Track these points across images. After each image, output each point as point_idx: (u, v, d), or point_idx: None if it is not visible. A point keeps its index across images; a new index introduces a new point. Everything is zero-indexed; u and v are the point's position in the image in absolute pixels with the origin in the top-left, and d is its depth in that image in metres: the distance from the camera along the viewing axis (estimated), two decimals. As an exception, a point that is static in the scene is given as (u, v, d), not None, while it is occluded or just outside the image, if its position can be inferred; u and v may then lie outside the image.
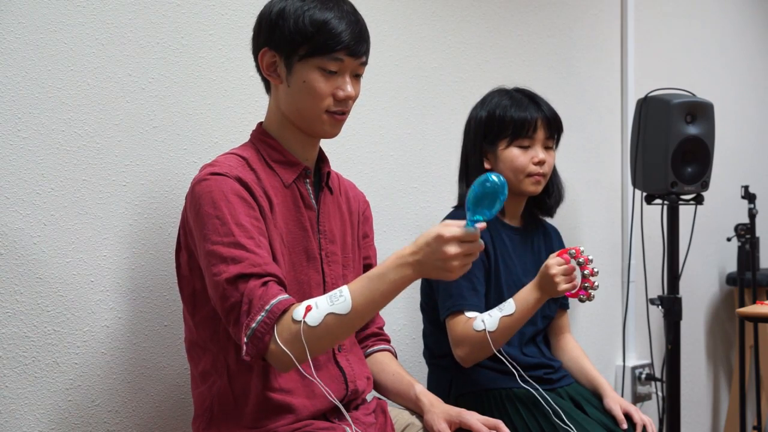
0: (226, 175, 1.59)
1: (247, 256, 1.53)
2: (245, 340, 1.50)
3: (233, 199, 1.57)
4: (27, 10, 1.75)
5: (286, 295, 1.53)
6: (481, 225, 1.47)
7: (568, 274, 1.93)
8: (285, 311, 1.51)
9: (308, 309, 1.50)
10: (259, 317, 1.50)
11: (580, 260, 1.94)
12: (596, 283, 1.94)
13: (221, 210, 1.56)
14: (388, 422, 1.78)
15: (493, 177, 1.45)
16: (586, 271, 1.94)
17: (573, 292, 1.95)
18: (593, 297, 1.95)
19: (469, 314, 2.04)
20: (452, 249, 1.46)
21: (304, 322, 1.49)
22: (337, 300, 1.51)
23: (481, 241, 1.49)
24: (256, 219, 1.59)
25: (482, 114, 2.22)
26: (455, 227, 1.46)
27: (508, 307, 1.99)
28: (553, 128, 2.21)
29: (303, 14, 1.62)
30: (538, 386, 1.98)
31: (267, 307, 1.50)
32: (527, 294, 1.99)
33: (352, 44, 1.63)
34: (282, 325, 1.50)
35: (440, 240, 1.46)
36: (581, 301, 1.96)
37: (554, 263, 1.94)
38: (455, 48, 2.67)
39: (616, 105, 3.28)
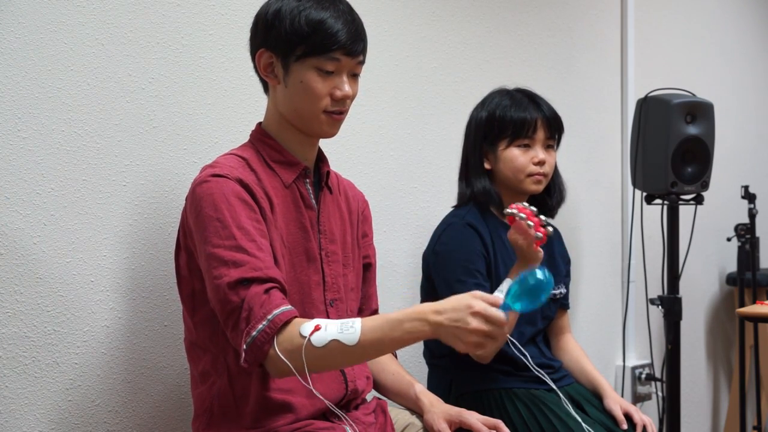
0: (227, 176, 1.59)
1: (248, 260, 1.53)
2: (244, 347, 1.50)
3: (234, 202, 1.57)
4: (27, 10, 1.75)
5: (288, 306, 1.52)
6: (514, 315, 1.43)
7: (524, 232, 1.91)
8: (287, 322, 1.50)
9: (317, 328, 1.48)
10: (260, 326, 1.49)
11: (522, 215, 1.90)
12: (546, 225, 1.90)
13: (222, 212, 1.56)
14: (388, 422, 1.78)
15: (539, 274, 1.42)
16: (522, 215, 1.89)
17: (537, 241, 1.92)
18: (550, 231, 1.91)
19: None
20: (476, 323, 1.42)
21: (309, 340, 1.47)
22: (347, 330, 1.48)
23: (506, 329, 1.44)
24: (257, 221, 1.59)
25: (482, 114, 2.22)
26: (487, 305, 1.43)
27: (505, 286, 1.98)
28: (554, 128, 2.21)
29: (299, 14, 1.62)
30: (545, 375, 1.96)
31: (269, 317, 1.49)
32: (516, 269, 1.98)
33: (348, 44, 1.63)
34: (284, 335, 1.49)
35: (468, 310, 1.42)
36: (544, 237, 1.92)
37: (511, 232, 1.92)
38: (455, 48, 2.67)
39: (616, 105, 3.28)
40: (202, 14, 2.04)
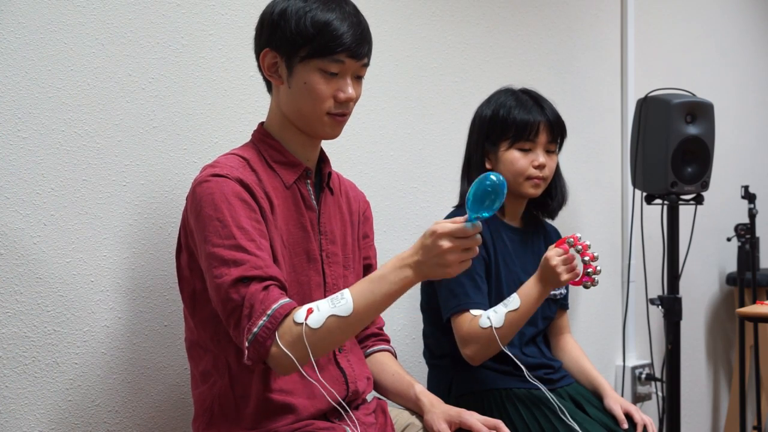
0: (227, 176, 1.59)
1: (248, 259, 1.53)
2: (247, 344, 1.50)
3: (234, 202, 1.57)
4: (27, 10, 1.75)
5: (287, 299, 1.53)
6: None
7: (569, 263, 1.94)
8: (287, 315, 1.51)
9: (310, 311, 1.50)
10: (261, 322, 1.50)
11: (578, 247, 1.94)
12: (598, 268, 1.96)
13: (222, 212, 1.56)
14: (388, 422, 1.78)
15: (492, 176, 1.47)
16: (586, 258, 1.94)
17: (576, 280, 1.96)
18: (597, 282, 1.97)
19: (474, 312, 2.04)
20: (446, 243, 1.47)
21: (306, 324, 1.49)
22: (339, 302, 1.51)
23: (479, 236, 1.50)
24: (257, 221, 1.59)
25: (487, 112, 2.22)
26: (448, 223, 1.49)
27: (513, 302, 1.99)
28: (556, 132, 2.21)
29: (305, 15, 1.61)
30: (541, 384, 1.98)
31: (269, 312, 1.50)
32: (530, 288, 1.99)
33: (353, 46, 1.63)
34: (283, 328, 1.50)
35: (434, 236, 1.48)
36: (586, 287, 1.98)
37: (553, 254, 1.95)
38: (455, 48, 2.67)
39: (616, 105, 3.28)
40: (202, 14, 2.04)
